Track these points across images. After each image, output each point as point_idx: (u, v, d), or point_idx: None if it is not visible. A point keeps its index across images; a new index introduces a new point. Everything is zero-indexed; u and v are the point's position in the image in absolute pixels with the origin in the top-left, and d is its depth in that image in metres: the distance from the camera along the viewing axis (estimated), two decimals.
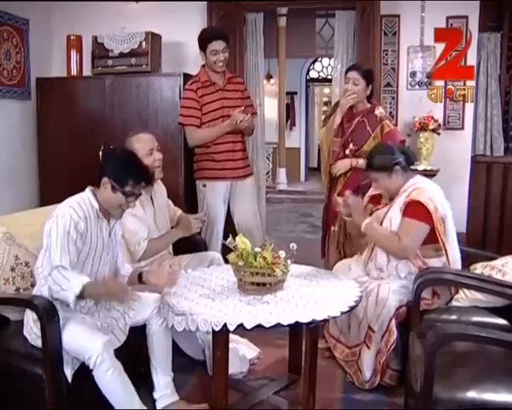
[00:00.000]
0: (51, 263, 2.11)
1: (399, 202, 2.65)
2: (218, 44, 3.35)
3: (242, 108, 3.41)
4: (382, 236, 2.68)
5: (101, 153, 3.69)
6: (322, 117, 13.46)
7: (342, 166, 3.30)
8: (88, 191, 2.28)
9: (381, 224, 2.74)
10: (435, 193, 2.63)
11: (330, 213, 3.37)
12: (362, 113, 3.28)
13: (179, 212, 3.15)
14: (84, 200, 2.24)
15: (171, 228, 3.02)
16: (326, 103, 13.13)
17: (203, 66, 3.49)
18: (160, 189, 2.99)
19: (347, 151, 3.28)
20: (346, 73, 3.31)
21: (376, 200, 2.87)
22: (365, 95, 3.27)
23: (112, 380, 2.10)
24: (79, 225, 2.16)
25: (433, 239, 2.59)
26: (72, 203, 2.21)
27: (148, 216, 2.83)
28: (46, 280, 2.13)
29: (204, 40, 3.39)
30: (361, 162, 3.18)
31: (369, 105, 3.30)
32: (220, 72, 3.45)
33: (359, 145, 3.24)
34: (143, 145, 2.80)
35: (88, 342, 2.12)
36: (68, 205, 2.20)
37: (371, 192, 2.91)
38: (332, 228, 3.37)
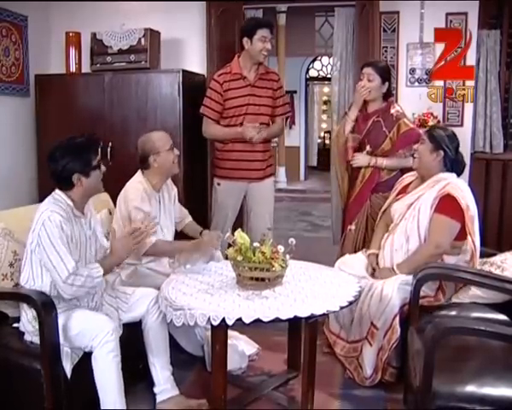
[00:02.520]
0: (63, 273, 2.13)
1: (431, 194, 2.64)
2: (267, 32, 3.30)
3: (257, 124, 3.32)
4: (414, 256, 2.65)
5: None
6: (322, 116, 13.52)
7: (362, 160, 3.19)
8: (59, 193, 2.26)
9: (404, 215, 2.72)
10: (468, 192, 2.64)
11: (347, 213, 3.32)
12: (377, 112, 3.20)
13: (188, 219, 3.10)
14: (60, 201, 2.23)
15: (177, 231, 3.02)
16: (325, 102, 13.14)
17: (238, 56, 3.41)
18: (168, 189, 2.95)
19: (364, 153, 3.20)
20: (362, 68, 3.24)
21: (403, 190, 2.87)
22: (380, 92, 3.19)
23: (110, 364, 2.10)
24: (66, 225, 2.17)
25: (457, 236, 2.60)
26: (51, 207, 2.19)
27: (153, 214, 2.79)
28: (64, 292, 2.16)
29: (254, 25, 3.32)
30: (380, 162, 3.16)
31: (384, 104, 3.22)
32: (261, 62, 3.37)
33: (376, 146, 3.16)
34: (165, 142, 2.81)
35: (98, 323, 2.15)
36: (49, 210, 2.17)
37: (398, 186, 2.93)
38: (349, 227, 3.27)
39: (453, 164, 2.70)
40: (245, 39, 3.31)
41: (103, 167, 2.32)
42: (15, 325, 2.33)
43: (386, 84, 3.20)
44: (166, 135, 2.88)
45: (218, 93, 3.36)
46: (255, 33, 3.27)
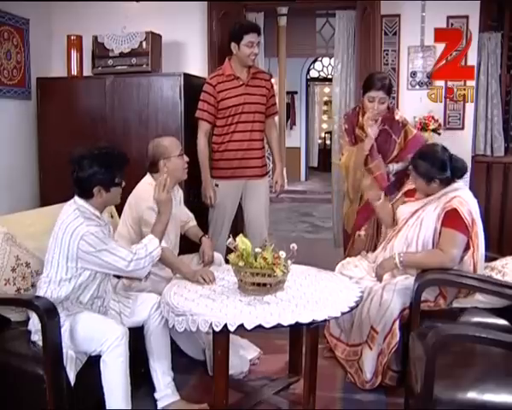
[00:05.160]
0: (124, 270, 2.22)
1: (437, 206, 2.63)
2: (254, 37, 3.33)
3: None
4: (424, 256, 2.63)
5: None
6: (323, 116, 13.51)
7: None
8: (82, 203, 2.26)
9: (407, 221, 2.72)
10: (474, 204, 2.62)
11: (357, 220, 3.32)
12: (382, 121, 3.19)
13: (192, 223, 3.12)
14: (86, 212, 2.24)
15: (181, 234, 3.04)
16: (326, 103, 13.13)
17: (229, 59, 3.46)
18: (174, 192, 2.95)
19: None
20: (368, 90, 3.13)
21: (410, 193, 2.86)
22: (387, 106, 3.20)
23: (119, 369, 2.12)
24: (103, 230, 2.22)
25: None
26: (85, 221, 2.18)
27: None
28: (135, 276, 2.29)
29: (240, 31, 3.34)
30: (391, 168, 3.17)
31: (385, 111, 3.20)
32: (250, 65, 3.42)
33: (387, 155, 3.16)
34: (176, 147, 2.85)
35: (107, 327, 2.17)
36: (84, 224, 2.17)
37: (405, 188, 2.92)
38: (357, 233, 3.29)
39: (451, 180, 2.65)
40: (232, 44, 3.38)
41: (123, 183, 2.34)
42: (18, 329, 2.34)
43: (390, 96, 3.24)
44: (177, 141, 2.92)
45: (212, 95, 3.41)
46: (242, 39, 3.33)
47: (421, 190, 2.75)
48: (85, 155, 2.24)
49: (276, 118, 3.76)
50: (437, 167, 2.62)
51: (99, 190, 2.24)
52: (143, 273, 2.31)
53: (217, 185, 3.50)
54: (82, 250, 2.15)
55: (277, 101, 10.41)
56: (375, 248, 3.15)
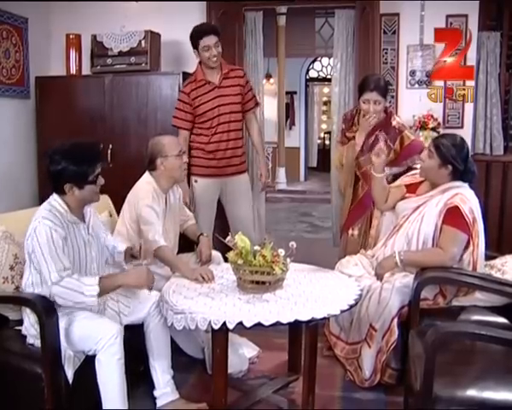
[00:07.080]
0: (47, 282, 2.11)
1: (439, 202, 2.62)
2: (209, 40, 3.30)
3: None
4: (424, 255, 2.63)
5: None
6: (322, 117, 13.51)
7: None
8: (56, 198, 2.23)
9: (408, 217, 2.71)
10: (475, 203, 2.60)
11: (348, 217, 3.32)
12: (379, 126, 3.17)
13: (191, 222, 3.13)
14: (55, 207, 2.21)
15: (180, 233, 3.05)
16: (325, 103, 13.14)
17: (200, 64, 3.45)
18: (173, 191, 2.97)
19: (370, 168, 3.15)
20: (363, 92, 3.12)
21: (412, 189, 2.84)
22: (384, 109, 3.17)
23: (114, 367, 2.10)
24: (58, 231, 2.14)
25: None
26: (44, 214, 2.16)
27: (160, 214, 2.80)
28: (53, 297, 2.13)
29: (195, 37, 3.34)
30: (387, 172, 3.12)
31: (383, 115, 3.19)
32: (215, 67, 3.39)
33: None
34: (174, 147, 2.84)
35: (102, 326, 2.14)
36: (41, 217, 2.15)
37: (408, 181, 2.90)
38: (350, 232, 3.28)
39: (462, 175, 2.62)
40: (194, 51, 3.38)
41: (101, 180, 2.27)
42: (17, 327, 2.33)
43: (387, 96, 3.21)
44: (177, 141, 2.93)
45: (187, 103, 3.41)
46: (198, 44, 3.32)
47: (427, 175, 2.71)
48: (57, 149, 2.20)
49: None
50: (456, 150, 2.60)
51: (71, 187, 2.19)
52: (62, 304, 2.14)
53: (196, 181, 3.50)
54: (32, 244, 2.13)
55: (277, 101, 10.46)
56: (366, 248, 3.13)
